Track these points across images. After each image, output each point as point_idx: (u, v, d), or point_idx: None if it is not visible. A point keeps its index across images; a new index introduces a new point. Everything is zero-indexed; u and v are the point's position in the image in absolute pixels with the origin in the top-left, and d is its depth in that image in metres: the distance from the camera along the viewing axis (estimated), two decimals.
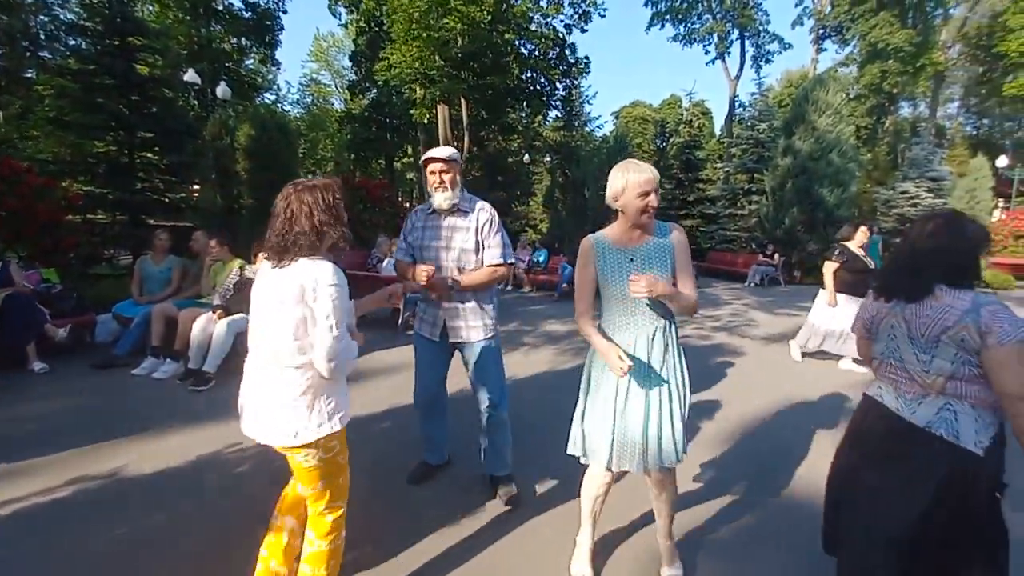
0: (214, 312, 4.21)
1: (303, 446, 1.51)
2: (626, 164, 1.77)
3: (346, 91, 28.42)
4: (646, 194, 1.71)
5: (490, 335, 2.50)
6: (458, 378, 2.70)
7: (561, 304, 8.77)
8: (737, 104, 24.20)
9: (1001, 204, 17.91)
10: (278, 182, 5.37)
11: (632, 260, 1.81)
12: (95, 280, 7.11)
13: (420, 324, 2.57)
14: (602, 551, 2.15)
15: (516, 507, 2.47)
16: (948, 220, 1.52)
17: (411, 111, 17.79)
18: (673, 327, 1.87)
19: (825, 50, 27.90)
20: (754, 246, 13.64)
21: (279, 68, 26.47)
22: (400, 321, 6.13)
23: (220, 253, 4.87)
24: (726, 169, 19.12)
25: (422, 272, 2.28)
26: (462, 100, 17.25)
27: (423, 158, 2.42)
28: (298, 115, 31.68)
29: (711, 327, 6.83)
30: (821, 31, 26.87)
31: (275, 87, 28.33)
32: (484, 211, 2.44)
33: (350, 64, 25.51)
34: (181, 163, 8.04)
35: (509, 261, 2.48)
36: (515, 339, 5.99)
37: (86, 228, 7.36)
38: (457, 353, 2.58)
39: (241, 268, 4.55)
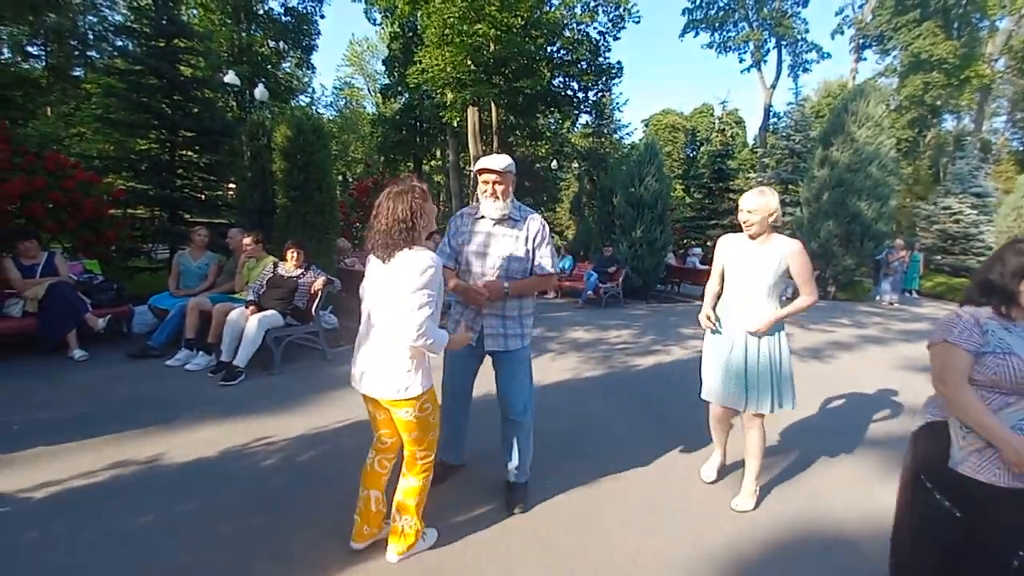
0: (247, 308, 4.29)
1: (406, 400, 1.86)
2: (753, 189, 2.50)
3: (378, 94, 28.96)
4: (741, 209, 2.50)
5: (526, 344, 2.50)
6: (478, 382, 2.68)
7: (586, 312, 8.69)
8: (772, 114, 23.72)
9: None
10: (312, 183, 5.48)
11: (747, 257, 2.52)
12: (134, 273, 7.36)
13: (455, 328, 2.54)
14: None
15: (525, 512, 2.47)
16: None
17: (441, 114, 17.99)
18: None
19: (865, 59, 27.22)
20: None
21: (314, 72, 27.16)
22: (450, 328, 6.14)
23: (254, 251, 4.99)
24: (759, 179, 18.73)
25: (480, 296, 2.35)
26: (492, 104, 17.36)
27: (477, 166, 2.41)
28: (331, 117, 32.41)
29: None
30: (861, 41, 26.19)
31: (310, 90, 29.04)
32: (535, 221, 2.47)
33: (383, 68, 25.98)
34: (219, 162, 8.28)
35: (556, 270, 2.50)
36: (540, 345, 5.95)
37: (127, 222, 7.62)
38: (487, 359, 2.56)
39: (275, 265, 4.64)
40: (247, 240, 4.96)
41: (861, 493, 2.79)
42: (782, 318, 2.43)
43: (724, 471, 2.89)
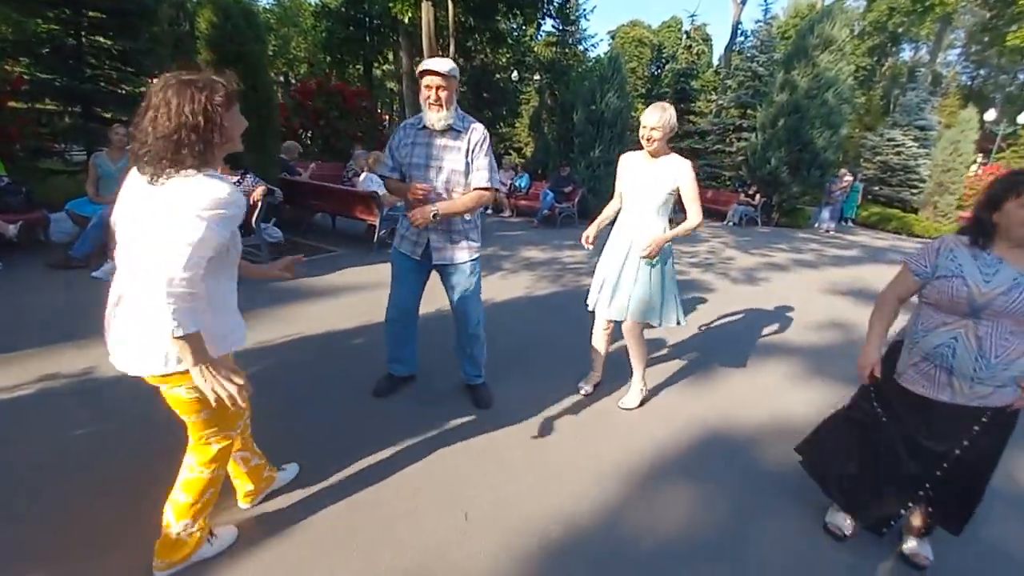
0: None
1: (176, 375, 1.34)
2: (654, 104, 2.43)
3: None
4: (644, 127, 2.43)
5: (474, 257, 2.50)
6: (427, 296, 2.67)
7: (541, 231, 8.69)
8: (740, 32, 22.99)
9: (980, 159, 18.05)
10: (246, 79, 4.93)
11: (642, 174, 2.55)
12: (46, 175, 6.63)
13: (401, 241, 2.51)
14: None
15: (489, 408, 2.69)
16: None
17: (392, 6, 16.34)
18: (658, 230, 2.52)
19: None
20: (737, 185, 13.57)
21: None
22: (375, 238, 5.98)
23: None
24: (719, 102, 18.54)
25: (419, 190, 2.26)
26: (448, 1, 15.90)
27: (419, 68, 2.22)
28: (267, 6, 28.87)
29: (688, 262, 6.91)
30: None
31: None
32: (476, 131, 2.36)
33: None
34: (136, 50, 7.29)
35: (495, 186, 2.41)
36: (493, 264, 5.95)
37: (32, 117, 6.75)
38: (434, 273, 2.55)
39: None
40: None
41: (773, 399, 3.07)
42: (669, 240, 2.50)
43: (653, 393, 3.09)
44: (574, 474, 2.23)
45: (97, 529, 1.71)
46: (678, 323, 2.69)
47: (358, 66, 24.84)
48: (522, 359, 3.37)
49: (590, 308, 2.78)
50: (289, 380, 2.81)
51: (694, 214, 2.48)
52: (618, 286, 2.60)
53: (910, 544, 1.86)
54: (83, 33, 6.87)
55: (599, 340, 2.88)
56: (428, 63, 2.19)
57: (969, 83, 31.29)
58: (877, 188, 16.15)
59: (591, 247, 2.71)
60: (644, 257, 2.47)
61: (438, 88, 2.20)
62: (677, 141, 17.51)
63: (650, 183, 2.49)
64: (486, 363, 2.81)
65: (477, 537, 1.82)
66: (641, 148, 2.51)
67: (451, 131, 2.31)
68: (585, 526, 1.93)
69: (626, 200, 2.62)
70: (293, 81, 22.26)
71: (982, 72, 31.43)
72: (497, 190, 2.49)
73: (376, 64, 26.68)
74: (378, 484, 2.04)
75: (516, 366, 3.23)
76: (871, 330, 1.78)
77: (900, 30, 24.86)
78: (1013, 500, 2.33)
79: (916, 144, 16.06)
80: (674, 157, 2.50)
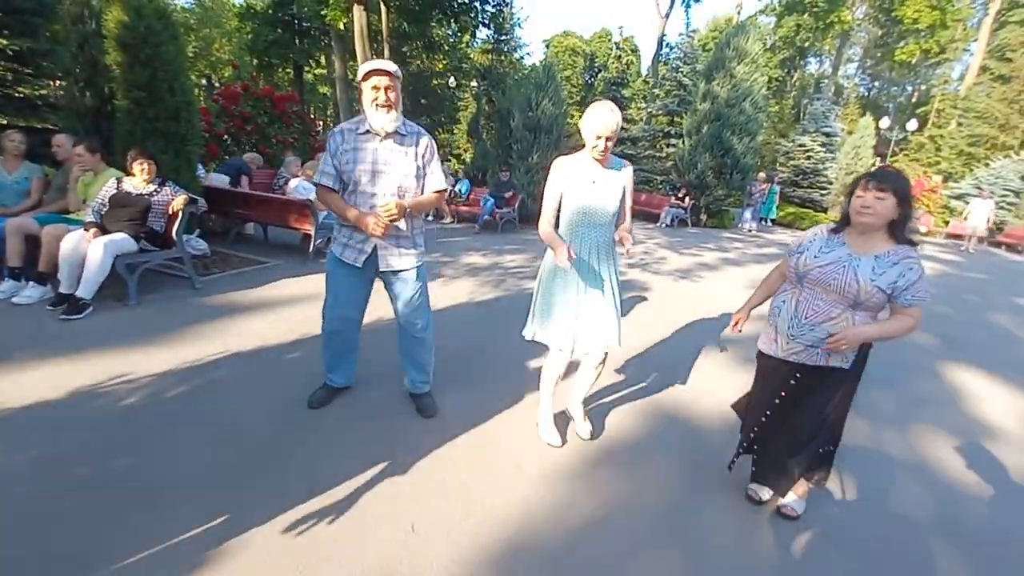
0: (87, 230, 3.67)
1: None
2: (601, 105, 2.10)
3: None
4: (598, 138, 2.09)
5: (419, 263, 2.49)
6: (371, 305, 2.62)
7: (482, 237, 8.71)
8: (664, 44, 24.19)
9: (878, 162, 19.99)
10: (162, 82, 4.64)
11: (594, 182, 2.21)
12: None
13: (344, 250, 2.40)
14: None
15: (433, 417, 2.65)
16: None
17: (323, 12, 15.89)
18: (612, 241, 2.30)
19: None
20: (667, 189, 14.25)
21: None
22: (311, 247, 5.77)
23: (90, 162, 4.20)
24: (649, 110, 19.40)
25: (378, 227, 2.18)
26: (381, 6, 15.66)
27: (365, 69, 2.17)
28: (187, 5, 27.22)
29: (625, 263, 7.17)
30: None
31: None
32: (425, 136, 2.39)
33: None
34: (34, 51, 6.62)
35: (447, 187, 2.43)
36: (435, 270, 5.90)
37: None
38: (377, 281, 2.51)
39: (118, 180, 3.97)
40: (79, 149, 4.14)
41: (710, 387, 3.25)
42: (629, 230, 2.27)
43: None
44: (521, 476, 2.25)
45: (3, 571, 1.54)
46: (619, 344, 2.37)
47: (288, 70, 23.92)
48: (465, 365, 3.36)
49: (557, 345, 2.32)
50: (219, 401, 2.65)
51: (630, 217, 2.34)
52: (608, 312, 2.27)
53: (785, 499, 2.13)
54: None
55: (556, 377, 2.48)
56: (374, 63, 2.16)
57: (866, 93, 34.59)
58: (791, 190, 17.48)
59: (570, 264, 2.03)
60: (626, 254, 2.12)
61: (387, 88, 2.16)
62: (613, 148, 18.15)
63: (608, 190, 2.20)
64: (433, 370, 2.78)
65: (425, 549, 1.80)
66: (571, 153, 2.32)
67: (396, 135, 2.28)
68: (536, 526, 1.96)
69: (579, 213, 2.21)
70: (217, 84, 21.02)
71: (877, 84, 34.86)
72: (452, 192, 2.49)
73: (308, 68, 25.78)
74: (319, 503, 1.96)
75: (459, 372, 3.22)
76: (751, 295, 2.21)
77: (806, 44, 27.10)
78: (913, 468, 2.59)
79: (823, 149, 17.55)
80: (617, 160, 2.27)
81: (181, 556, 1.67)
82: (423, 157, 2.35)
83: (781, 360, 1.93)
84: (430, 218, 10.34)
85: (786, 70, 29.03)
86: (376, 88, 2.16)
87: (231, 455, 2.21)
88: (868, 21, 29.73)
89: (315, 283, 4.78)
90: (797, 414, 1.96)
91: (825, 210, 16.56)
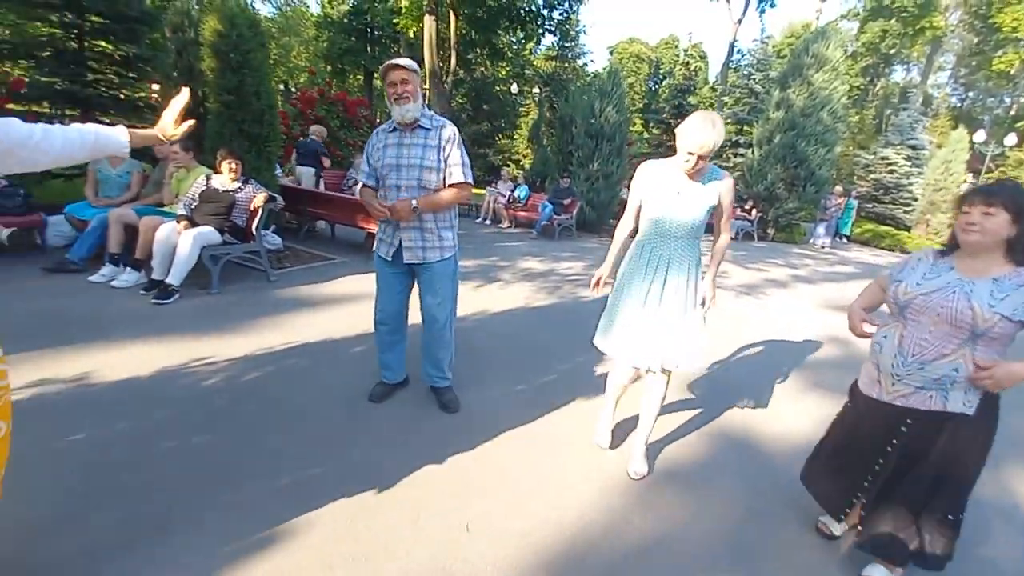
0: (178, 222, 3.98)
1: None
2: (700, 118, 1.93)
3: None
4: (690, 154, 1.94)
5: (447, 256, 2.50)
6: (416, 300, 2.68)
7: (540, 242, 8.71)
8: (736, 50, 23.38)
9: (970, 179, 18.34)
10: (249, 87, 4.97)
11: (679, 193, 2.07)
12: (43, 178, 6.59)
13: (378, 244, 2.55)
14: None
15: (456, 412, 2.68)
16: None
17: (395, 20, 16.52)
18: (692, 255, 2.14)
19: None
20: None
21: None
22: (374, 246, 5.97)
23: (184, 160, 4.56)
24: None
25: (381, 212, 2.31)
26: (451, 14, 16.08)
27: (383, 67, 2.29)
28: (269, 15, 29.10)
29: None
30: None
31: None
32: (447, 128, 2.40)
33: None
34: (138, 56, 7.30)
35: (470, 180, 2.45)
36: (491, 274, 5.95)
37: (31, 120, 6.72)
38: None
39: (207, 177, 4.28)
40: (175, 147, 4.50)
41: (772, 411, 3.07)
42: (717, 271, 2.23)
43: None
44: (575, 486, 2.21)
45: (95, 533, 1.68)
46: (699, 365, 2.39)
47: (358, 76, 25.02)
48: (516, 369, 3.35)
49: (615, 355, 2.28)
50: (288, 388, 2.78)
51: (725, 231, 2.19)
52: (665, 329, 2.12)
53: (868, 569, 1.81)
54: (85, 38, 6.88)
55: (618, 387, 2.43)
56: (390, 61, 2.27)
57: (959, 104, 31.85)
58: (870, 205, 16.36)
59: (598, 293, 2.34)
60: (708, 309, 2.16)
61: (402, 81, 2.25)
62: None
63: (692, 204, 2.04)
64: (452, 366, 2.77)
65: (480, 550, 1.80)
66: (657, 158, 2.26)
67: (420, 129, 2.35)
68: (592, 538, 1.91)
69: (656, 223, 2.11)
70: (293, 90, 22.31)
71: (971, 94, 32.03)
72: (471, 184, 2.47)
73: (376, 74, 26.89)
74: (376, 495, 2.01)
75: (511, 376, 3.22)
76: (853, 303, 1.89)
77: (892, 52, 25.35)
78: (1009, 515, 2.33)
79: (908, 163, 16.31)
80: (719, 172, 2.10)
81: (250, 530, 1.76)
82: (443, 148, 2.36)
83: (887, 404, 1.67)
84: (487, 222, 10.47)
85: (869, 78, 27.28)
86: (393, 83, 2.26)
87: (296, 441, 2.30)
88: (963, 28, 27.40)
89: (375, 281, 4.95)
90: (912, 470, 1.67)
91: (908, 228, 15.35)
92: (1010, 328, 1.46)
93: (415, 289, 2.64)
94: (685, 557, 1.87)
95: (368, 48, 23.30)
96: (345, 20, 22.50)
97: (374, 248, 2.58)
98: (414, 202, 2.31)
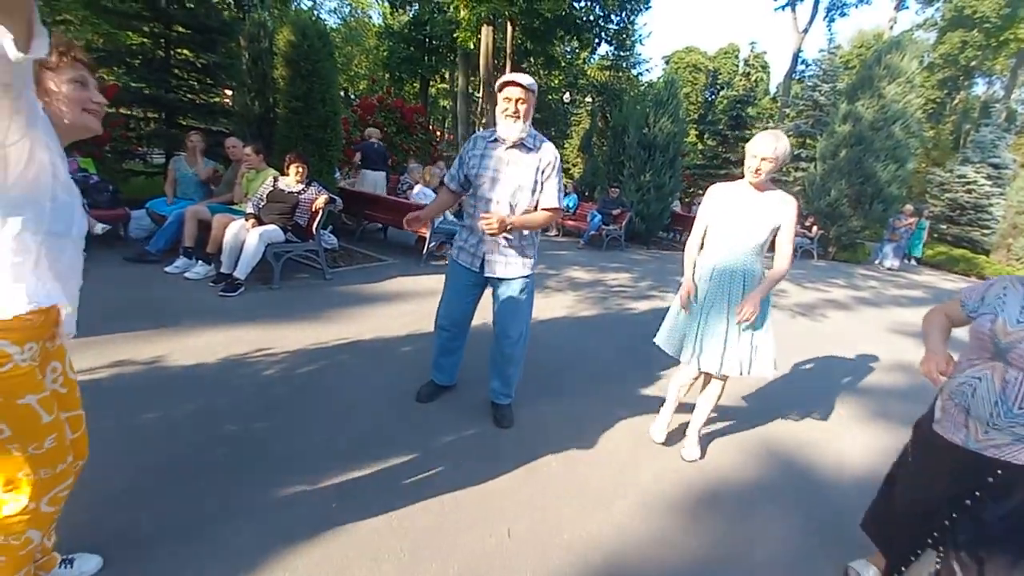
0: (247, 220, 4.23)
1: None
2: (765, 132, 2.19)
3: (385, 3, 27.06)
4: (753, 157, 2.19)
5: (527, 273, 2.50)
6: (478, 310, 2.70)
7: (587, 252, 8.65)
8: (800, 60, 22.51)
9: None
10: (316, 94, 5.21)
11: (742, 210, 2.28)
12: (129, 176, 7.17)
13: (459, 253, 2.55)
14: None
15: (509, 428, 2.64)
16: None
17: (455, 34, 16.92)
18: (758, 271, 2.33)
19: (907, 7, 25.47)
20: None
21: None
22: (425, 251, 6.12)
23: (255, 162, 4.84)
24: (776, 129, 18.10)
25: (491, 225, 2.18)
26: (509, 24, 16.32)
27: (501, 80, 2.27)
28: (335, 26, 30.48)
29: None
30: None
31: None
32: (549, 151, 2.40)
33: None
34: (217, 64, 7.84)
35: (563, 207, 2.46)
36: (538, 282, 5.90)
37: (121, 121, 7.33)
38: (489, 287, 2.58)
39: (275, 179, 4.52)
40: (248, 150, 4.80)
41: (831, 440, 2.91)
42: (765, 294, 2.28)
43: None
44: (619, 501, 2.17)
45: (161, 509, 1.79)
46: (772, 370, 2.38)
47: (415, 84, 25.77)
48: (561, 379, 3.34)
49: (684, 360, 2.45)
50: (340, 382, 2.89)
51: (786, 258, 2.27)
52: (722, 337, 2.30)
53: None
54: (171, 46, 7.45)
55: (680, 389, 2.61)
56: (511, 76, 2.26)
57: None
58: (944, 227, 15.29)
59: (686, 308, 2.43)
60: (743, 321, 2.22)
61: (518, 100, 2.25)
62: (731, 168, 17.17)
63: (755, 220, 2.24)
64: (519, 385, 2.75)
65: (518, 557, 1.80)
66: (712, 170, 2.43)
67: (522, 147, 2.34)
68: (630, 556, 1.87)
69: (723, 238, 2.32)
70: (353, 97, 23.28)
71: None
72: (562, 210, 2.48)
73: (432, 82, 27.61)
74: (421, 494, 2.05)
75: (555, 386, 3.21)
76: (927, 336, 1.64)
77: (973, 64, 23.69)
78: None
79: (989, 183, 15.15)
80: (780, 192, 2.27)
81: (301, 519, 1.83)
82: (543, 171, 2.38)
83: (973, 452, 1.49)
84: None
85: (946, 91, 25.56)
86: (508, 99, 2.25)
87: (345, 435, 2.38)
88: None
89: (426, 283, 5.06)
90: (999, 523, 1.48)
91: (987, 252, 14.21)
92: None
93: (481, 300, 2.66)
94: None
95: (426, 57, 23.98)
96: (405, 31, 23.26)
97: (452, 255, 2.58)
98: (510, 220, 2.27)
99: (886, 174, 10.99)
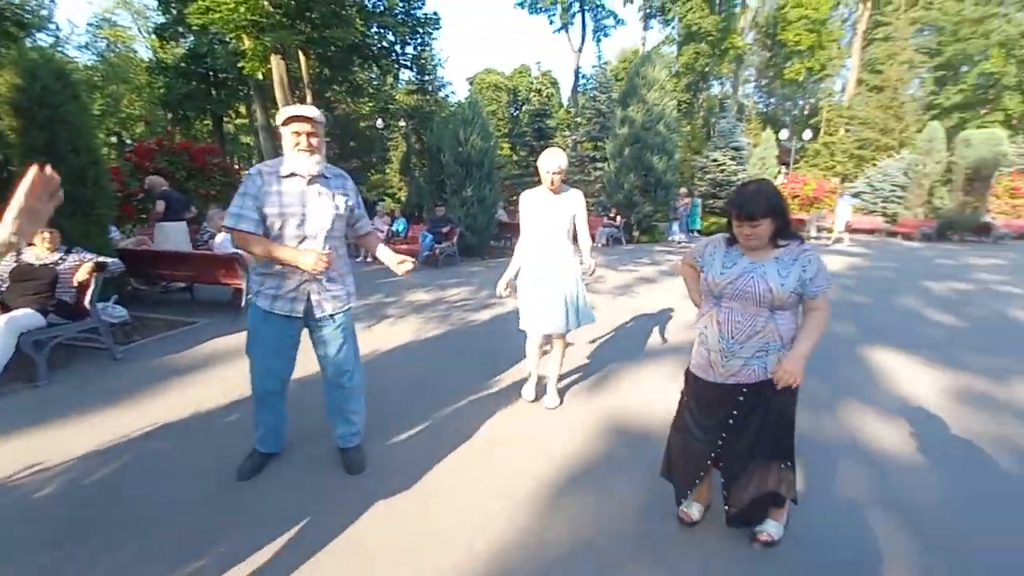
0: None
1: None
2: (550, 150, 2.95)
3: (152, 36, 23.82)
4: (547, 172, 2.92)
5: (351, 304, 2.46)
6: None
7: (424, 273, 8.66)
8: (580, 76, 25.58)
9: (783, 170, 21.84)
10: (63, 143, 4.38)
11: (547, 207, 3.01)
12: None
13: (273, 302, 2.28)
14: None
15: (361, 474, 2.48)
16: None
17: (240, 64, 15.62)
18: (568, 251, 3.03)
19: (651, 28, 30.66)
20: (600, 209, 14.86)
21: (55, 2, 20.95)
22: (243, 302, 5.51)
23: None
24: (573, 137, 20.30)
25: (320, 262, 2.11)
26: (300, 54, 15.63)
27: (285, 115, 2.15)
28: (91, 63, 25.87)
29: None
30: (647, 11, 29.39)
31: (52, 26, 22.52)
32: (350, 180, 2.45)
33: (156, 2, 21.28)
34: None
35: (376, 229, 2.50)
36: (378, 312, 5.79)
37: None
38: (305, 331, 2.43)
39: (18, 252, 3.66)
40: None
41: (660, 396, 3.36)
42: (596, 267, 3.12)
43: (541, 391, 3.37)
44: (474, 537, 2.21)
45: None
46: (593, 320, 3.18)
47: (206, 121, 23.13)
48: (409, 407, 3.28)
49: (530, 331, 3.14)
50: (150, 479, 2.44)
51: (586, 233, 3.09)
52: (559, 305, 2.98)
53: (762, 525, 2.00)
54: None
55: (536, 352, 3.28)
56: (294, 109, 2.16)
57: (765, 109, 37.90)
58: (711, 202, 18.69)
59: (507, 294, 3.17)
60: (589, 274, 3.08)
61: (309, 134, 2.15)
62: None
63: (559, 213, 2.98)
64: (365, 421, 2.63)
65: None
66: (527, 178, 2.80)
67: (322, 178, 2.25)
68: (508, 560, 1.92)
69: (538, 231, 3.01)
70: (129, 141, 19.96)
71: (772, 100, 38.33)
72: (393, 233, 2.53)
73: (227, 119, 25.05)
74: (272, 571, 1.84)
75: (405, 414, 3.15)
76: (691, 291, 2.18)
77: (707, 69, 29.51)
78: (860, 456, 2.77)
79: (734, 163, 18.95)
80: (571, 190, 3.04)
81: None
82: (350, 201, 2.36)
83: (721, 384, 1.86)
84: (368, 259, 10.18)
85: (692, 93, 31.36)
86: (297, 133, 2.14)
87: (163, 540, 2.02)
88: (757, 45, 32.93)
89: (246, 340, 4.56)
90: (752, 434, 1.86)
91: None
92: (796, 298, 1.77)
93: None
94: (592, 552, 1.96)
95: (213, 92, 21.68)
96: (182, 65, 20.75)
97: (266, 307, 2.29)
98: (328, 251, 2.19)
99: (661, 165, 13.07)
